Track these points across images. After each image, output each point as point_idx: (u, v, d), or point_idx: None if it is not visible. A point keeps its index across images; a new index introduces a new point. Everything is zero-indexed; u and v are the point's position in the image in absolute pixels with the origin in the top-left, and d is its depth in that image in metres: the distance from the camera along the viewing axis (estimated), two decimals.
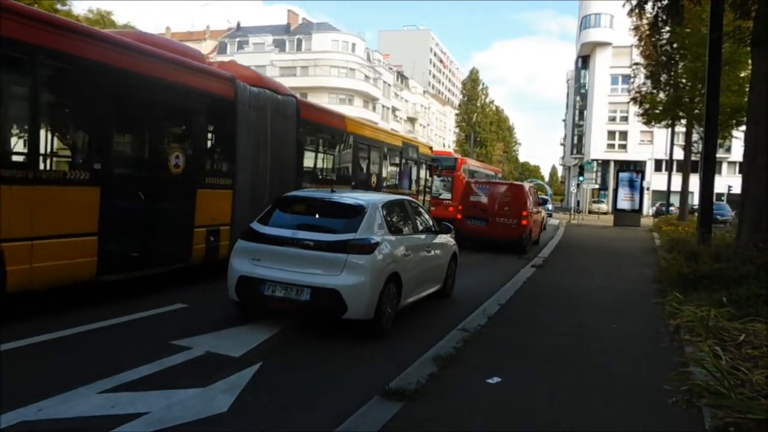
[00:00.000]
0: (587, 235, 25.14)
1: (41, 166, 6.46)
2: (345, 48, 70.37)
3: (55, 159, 6.91)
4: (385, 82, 77.22)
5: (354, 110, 69.36)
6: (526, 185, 19.33)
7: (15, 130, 6.52)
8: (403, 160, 17.59)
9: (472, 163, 30.02)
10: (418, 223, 8.32)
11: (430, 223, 8.85)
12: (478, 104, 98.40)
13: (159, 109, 8.29)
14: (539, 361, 5.76)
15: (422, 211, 9.03)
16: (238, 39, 74.13)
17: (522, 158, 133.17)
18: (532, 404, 4.56)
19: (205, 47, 73.83)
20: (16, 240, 6.04)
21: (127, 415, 4.03)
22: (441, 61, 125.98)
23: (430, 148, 21.41)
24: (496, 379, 5.01)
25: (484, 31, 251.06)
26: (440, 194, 23.07)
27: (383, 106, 76.72)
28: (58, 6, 34.15)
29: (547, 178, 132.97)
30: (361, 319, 6.38)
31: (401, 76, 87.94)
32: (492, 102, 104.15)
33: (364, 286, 6.27)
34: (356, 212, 6.84)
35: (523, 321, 7.50)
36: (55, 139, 7.04)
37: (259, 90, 10.34)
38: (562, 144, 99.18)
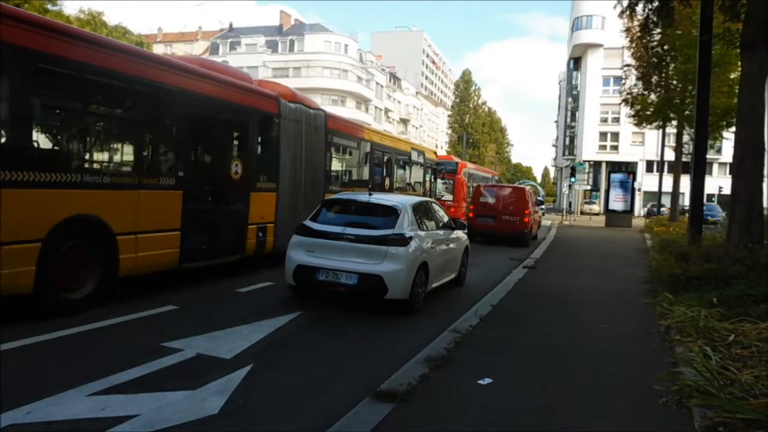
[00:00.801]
0: (579, 236, 25.23)
1: (143, 174, 7.95)
2: (337, 49, 70.34)
3: (152, 168, 8.20)
4: (377, 83, 77.27)
5: (346, 111, 69.34)
6: (528, 189, 21.74)
7: (127, 144, 8.31)
8: (412, 164, 19.18)
9: (471, 167, 32.13)
10: (439, 221, 9.64)
11: (446, 220, 10.04)
12: (471, 105, 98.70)
13: (224, 125, 9.98)
14: (531, 361, 5.78)
15: (441, 210, 10.38)
16: (230, 40, 73.99)
17: (514, 159, 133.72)
18: (523, 405, 4.57)
19: (197, 48, 73.69)
20: (125, 234, 7.53)
21: (117, 417, 4.00)
22: (433, 62, 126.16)
23: (435, 153, 22.94)
24: (487, 380, 5.02)
25: (475, 33, 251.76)
26: (442, 195, 24.60)
27: (376, 107, 76.75)
28: (49, 6, 34.01)
29: (539, 179, 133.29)
30: (399, 299, 7.74)
31: (394, 77, 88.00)
32: (485, 103, 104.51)
33: (401, 272, 7.64)
34: (392, 212, 8.25)
35: (515, 322, 7.52)
36: (152, 151, 8.36)
37: (296, 105, 11.86)
38: (554, 145, 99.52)
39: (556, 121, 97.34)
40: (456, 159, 30.82)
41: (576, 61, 66.72)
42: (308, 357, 5.79)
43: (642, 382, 5.20)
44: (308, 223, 8.36)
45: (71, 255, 6.82)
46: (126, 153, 8.29)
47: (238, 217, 10.09)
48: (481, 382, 4.98)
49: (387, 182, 16.90)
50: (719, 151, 48.85)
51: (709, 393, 4.59)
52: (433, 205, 10.17)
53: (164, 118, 8.43)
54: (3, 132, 6.16)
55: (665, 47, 26.03)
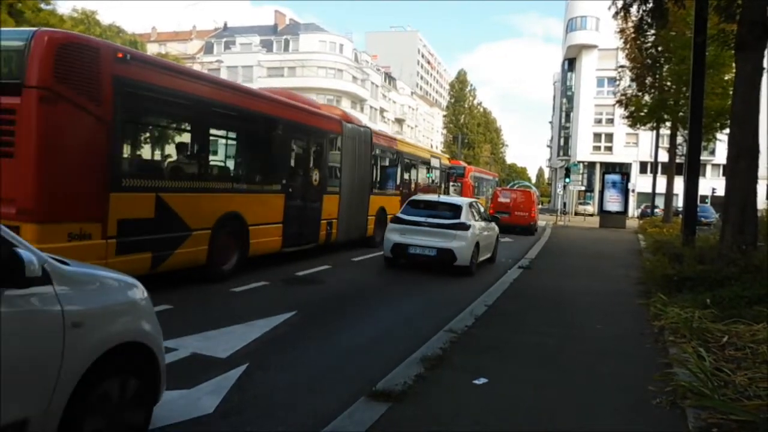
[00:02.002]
0: (573, 236, 25.29)
1: (263, 182, 11.02)
2: (332, 49, 70.26)
3: (268, 178, 11.16)
4: (372, 83, 77.23)
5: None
6: (534, 191, 29.33)
7: (254, 161, 11.15)
8: (431, 169, 22.18)
9: (476, 171, 37.14)
10: (482, 215, 13.73)
11: (486, 215, 14.15)
12: (466, 106, 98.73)
13: (308, 143, 12.81)
14: (525, 361, 5.79)
15: (482, 207, 14.21)
16: (224, 39, 73.75)
17: (509, 160, 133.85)
18: (518, 405, 4.58)
19: (192, 47, 73.46)
20: (254, 225, 10.34)
21: None
22: (429, 63, 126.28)
23: (448, 158, 27.43)
24: (482, 380, 5.02)
25: (469, 34, 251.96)
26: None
27: (371, 107, 76.72)
28: (42, 5, 33.86)
29: (534, 180, 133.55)
30: (463, 265, 11.63)
31: (389, 77, 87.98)
32: (480, 104, 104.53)
33: (465, 247, 11.63)
34: (456, 207, 12.28)
35: (510, 322, 7.53)
36: (269, 165, 11.30)
37: (351, 125, 14.83)
38: (548, 146, 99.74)
39: (550, 122, 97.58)
40: (463, 164, 34.95)
41: (570, 62, 66.86)
42: (302, 356, 5.79)
43: (636, 382, 5.21)
44: (399, 215, 12.45)
45: (224, 239, 9.51)
46: (253, 167, 11.13)
47: (316, 214, 12.89)
48: (476, 381, 4.99)
49: (413, 186, 19.80)
50: (713, 152, 49.11)
51: (703, 394, 4.60)
52: (478, 204, 14.14)
53: (276, 141, 11.48)
54: (197, 158, 9.28)
55: (659, 48, 26.11)
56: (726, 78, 22.02)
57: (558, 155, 72.18)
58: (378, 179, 16.74)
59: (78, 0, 46.92)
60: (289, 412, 4.39)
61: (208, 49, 73.53)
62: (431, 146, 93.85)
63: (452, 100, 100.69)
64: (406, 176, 19.12)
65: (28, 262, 2.69)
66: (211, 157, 10.04)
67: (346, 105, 69.56)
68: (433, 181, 22.07)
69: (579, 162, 52.02)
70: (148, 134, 9.14)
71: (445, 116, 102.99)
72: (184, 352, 5.51)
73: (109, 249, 7.25)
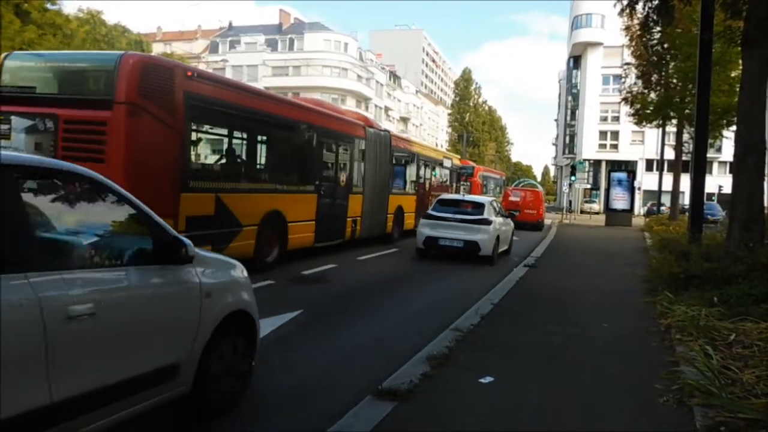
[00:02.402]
0: (579, 234, 25.23)
1: (300, 183, 12.25)
2: (337, 48, 70.25)
3: (304, 179, 12.42)
4: (377, 81, 77.21)
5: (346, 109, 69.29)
6: (541, 191, 31.79)
7: (292, 164, 12.30)
8: (443, 170, 23.51)
9: (484, 170, 39.31)
10: (501, 212, 15.51)
11: (503, 211, 16.11)
12: (471, 104, 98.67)
13: (336, 147, 13.93)
14: (531, 360, 5.78)
15: (500, 205, 16.47)
16: (229, 38, 73.83)
17: (514, 158, 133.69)
18: (524, 404, 4.57)
19: (197, 47, 73.59)
20: (292, 222, 11.55)
21: None
22: (433, 61, 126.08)
23: (459, 159, 29.12)
24: (488, 379, 5.02)
25: (474, 32, 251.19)
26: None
27: (376, 106, 76.69)
28: (48, 5, 33.97)
29: (539, 178, 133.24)
30: (487, 255, 13.44)
31: (394, 76, 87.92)
32: (485, 102, 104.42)
33: (488, 240, 13.41)
34: (480, 205, 14.13)
35: (516, 320, 7.52)
36: (305, 168, 12.53)
37: (373, 130, 16.14)
38: (554, 144, 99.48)
39: (555, 120, 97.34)
40: (472, 163, 36.60)
41: (576, 60, 66.66)
42: (307, 356, 5.79)
43: (642, 381, 5.19)
44: (430, 212, 14.27)
45: (267, 234, 10.62)
46: (292, 170, 12.22)
47: (343, 212, 14.06)
48: (482, 380, 4.98)
49: (427, 185, 21.07)
50: (719, 149, 48.78)
51: (710, 392, 4.58)
52: (497, 202, 16.20)
53: (311, 146, 12.68)
54: (248, 162, 10.84)
55: (665, 45, 25.99)
56: (732, 75, 21.90)
57: (563, 153, 72.00)
58: (396, 179, 18.13)
59: (84, 0, 47.03)
60: (294, 412, 4.40)
61: (213, 48, 73.65)
62: (436, 145, 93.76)
63: (457, 99, 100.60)
64: (421, 176, 20.38)
65: (189, 245, 3.75)
66: (258, 161, 11.33)
67: (350, 104, 69.57)
68: (443, 181, 23.35)
69: (584, 160, 51.83)
70: (209, 141, 10.85)
71: (450, 114, 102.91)
72: None
73: None
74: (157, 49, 46.24)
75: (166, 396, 3.68)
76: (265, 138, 11.34)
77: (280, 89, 70.12)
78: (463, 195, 16.49)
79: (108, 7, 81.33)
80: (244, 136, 10.76)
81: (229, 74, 70.43)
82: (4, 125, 8.12)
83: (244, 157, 10.81)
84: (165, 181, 8.18)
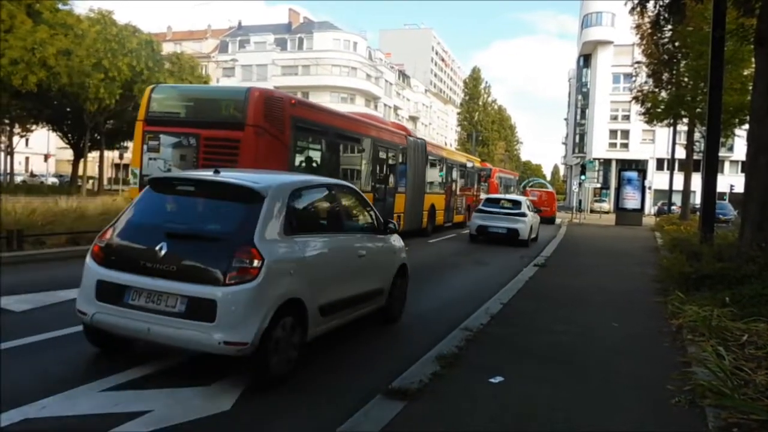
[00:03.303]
0: (589, 234, 25.13)
1: (362, 184, 14.48)
2: (346, 47, 70.33)
3: (364, 181, 14.96)
4: (386, 80, 77.23)
5: (355, 109, 69.31)
6: (553, 191, 40.51)
7: (360, 170, 15.15)
8: (467, 172, 26.46)
9: (500, 172, 42.69)
10: (532, 207, 20.34)
11: (533, 207, 20.78)
12: (480, 103, 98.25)
13: (387, 154, 16.62)
14: (541, 360, 5.76)
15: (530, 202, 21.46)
16: (239, 38, 74.08)
17: (524, 157, 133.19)
18: (534, 404, 4.55)
19: (207, 46, 73.84)
20: (397, 213, 15.66)
21: (129, 413, 4.03)
22: (442, 60, 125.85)
23: (480, 161, 32.50)
24: (498, 379, 5.00)
25: (483, 31, 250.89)
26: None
27: (385, 105, 76.70)
28: (60, 6, 34.18)
29: (548, 177, 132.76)
30: (523, 239, 17.81)
31: (403, 75, 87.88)
32: (494, 101, 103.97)
33: (525, 228, 18.05)
34: (518, 202, 19.00)
35: (526, 320, 7.50)
36: (366, 173, 15.18)
37: (413, 138, 19.07)
38: (563, 143, 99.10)
39: (565, 119, 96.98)
40: (489, 165, 39.95)
41: (586, 59, 66.35)
42: (320, 353, 5.79)
43: (654, 381, 5.16)
44: (481, 207, 19.16)
45: None
46: (358, 173, 14.96)
47: (390, 209, 15.91)
48: (492, 380, 4.97)
49: (455, 187, 23.68)
50: (731, 149, 48.45)
51: (722, 393, 4.55)
52: (529, 199, 22.67)
53: (372, 153, 15.34)
54: (332, 167, 13.21)
55: (676, 44, 25.84)
56: (745, 73, 21.70)
57: (573, 152, 71.69)
58: (429, 180, 20.52)
59: (95, 0, 47.31)
60: (305, 409, 4.41)
61: (222, 48, 73.92)
62: (445, 143, 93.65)
63: (466, 98, 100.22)
64: (449, 178, 23.05)
65: (392, 224, 7.21)
66: (335, 165, 13.72)
67: (360, 103, 69.64)
68: (467, 182, 26.82)
69: (595, 159, 51.62)
70: (304, 151, 12.95)
71: (459, 113, 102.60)
72: None
73: None
74: (167, 48, 46.35)
75: (377, 305, 6.82)
76: (341, 147, 14.18)
77: (289, 88, 70.12)
78: (504, 194, 23.95)
79: (118, 7, 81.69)
80: (327, 146, 13.46)
81: (238, 73, 70.79)
82: (154, 141, 11.02)
83: (329, 163, 13.50)
84: None
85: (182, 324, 4.43)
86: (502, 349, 6.01)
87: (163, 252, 4.61)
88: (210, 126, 10.81)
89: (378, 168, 16.10)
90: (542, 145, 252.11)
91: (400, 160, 17.56)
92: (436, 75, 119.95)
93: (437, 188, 21.36)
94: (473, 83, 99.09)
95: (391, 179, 16.80)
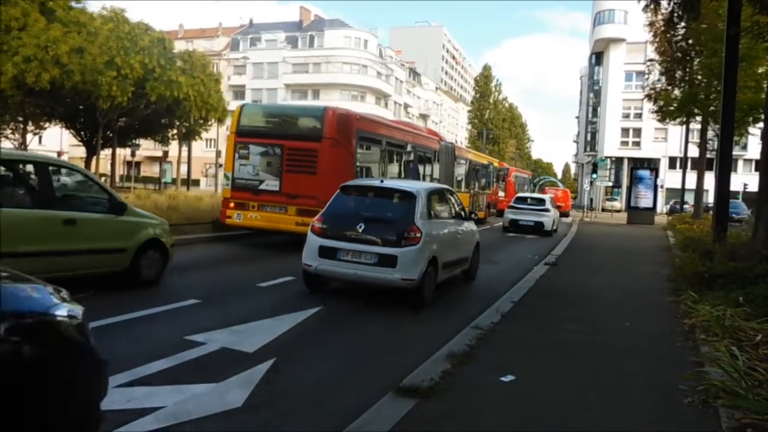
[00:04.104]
0: (601, 233, 25.00)
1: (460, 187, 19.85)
2: (357, 44, 70.30)
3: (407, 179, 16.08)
4: (397, 78, 77.10)
5: (366, 107, 69.23)
6: (567, 190, 49.74)
7: (403, 170, 17.00)
8: (489, 172, 29.44)
9: (516, 171, 44.93)
10: (553, 204, 24.99)
11: (554, 204, 25.93)
12: (491, 101, 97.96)
13: (425, 157, 18.68)
14: (553, 359, 5.74)
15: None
16: (250, 36, 74.26)
17: (535, 155, 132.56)
18: (545, 403, 4.54)
19: (218, 44, 74.07)
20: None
21: (142, 409, 4.06)
22: (453, 58, 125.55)
23: (498, 162, 36.02)
24: (509, 377, 4.99)
25: (494, 30, 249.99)
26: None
27: (395, 103, 76.62)
28: (73, 3, 34.38)
29: (559, 176, 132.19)
30: (548, 230, 21.78)
31: (413, 73, 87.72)
32: (505, 99, 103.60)
33: (549, 221, 22.23)
34: (543, 200, 23.46)
35: (537, 319, 7.47)
36: (408, 172, 16.98)
37: (444, 142, 21.31)
38: (575, 141, 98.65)
39: (577, 117, 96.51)
40: (506, 165, 43.11)
41: (598, 56, 65.97)
42: (330, 351, 5.81)
43: (666, 381, 5.13)
44: (512, 204, 22.94)
45: None
46: (405, 174, 16.70)
47: None
48: (503, 379, 4.96)
49: (477, 185, 26.41)
50: (745, 147, 47.98)
51: (736, 393, 4.52)
52: (552, 198, 26.75)
53: (414, 157, 17.33)
54: (386, 171, 15.47)
55: (690, 41, 25.63)
56: (759, 71, 21.53)
57: (585, 151, 71.35)
58: (456, 180, 22.65)
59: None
60: (316, 407, 4.42)
61: (234, 45, 74.10)
62: (456, 141, 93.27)
63: (477, 96, 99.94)
64: (472, 178, 25.86)
65: (474, 215, 12.39)
66: (388, 168, 15.86)
67: (370, 100, 69.59)
68: (488, 181, 29.95)
69: (606, 157, 51.32)
70: (365, 157, 14.74)
71: (469, 111, 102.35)
72: (213, 347, 5.57)
73: None
74: (179, 46, 46.51)
75: (465, 267, 9.97)
76: (392, 153, 16.28)
77: (300, 86, 70.49)
78: (531, 193, 28.67)
79: (131, 5, 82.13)
80: (381, 152, 15.40)
81: (249, 71, 70.97)
82: (244, 150, 13.23)
83: (386, 168, 15.54)
84: (345, 182, 13.04)
85: (376, 270, 7.71)
86: (513, 348, 5.99)
87: (361, 229, 7.84)
88: (292, 138, 13.07)
89: (420, 168, 18.37)
90: (553, 143, 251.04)
91: (434, 162, 19.82)
92: (446, 73, 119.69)
93: (463, 187, 23.82)
94: (484, 81, 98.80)
95: (427, 179, 18.54)
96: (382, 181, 9.15)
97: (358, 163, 13.75)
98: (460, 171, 23.81)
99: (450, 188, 11.14)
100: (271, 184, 12.81)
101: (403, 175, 16.78)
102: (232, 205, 13.04)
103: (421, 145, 18.13)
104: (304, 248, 8.31)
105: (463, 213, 10.10)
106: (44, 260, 6.62)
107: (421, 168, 18.22)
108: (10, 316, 2.40)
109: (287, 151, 12.76)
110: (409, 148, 17.13)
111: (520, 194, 25.71)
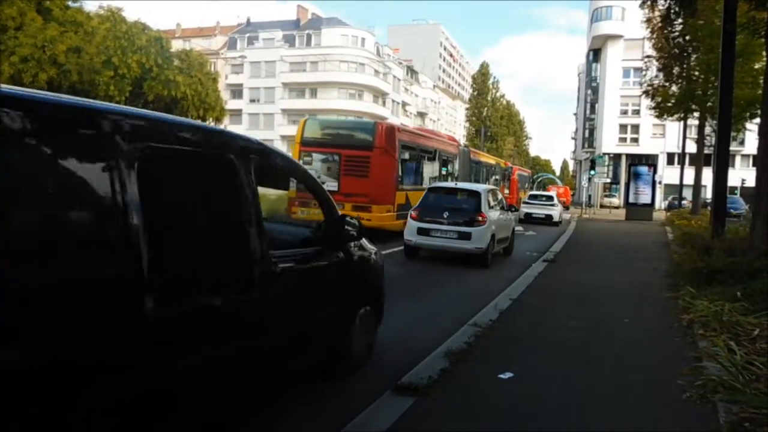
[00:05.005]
0: (599, 229, 25.02)
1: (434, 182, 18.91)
2: (354, 43, 70.22)
3: (435, 180, 18.65)
4: (394, 76, 77.02)
5: (364, 105, 69.29)
6: (567, 187, 64.09)
7: (433, 172, 19.81)
8: (496, 171, 32.54)
9: (518, 170, 46.11)
10: (560, 200, 31.76)
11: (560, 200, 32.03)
12: (489, 98, 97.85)
13: (447, 160, 21.25)
14: (551, 356, 5.75)
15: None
16: (248, 35, 74.14)
17: (533, 152, 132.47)
18: (544, 400, 4.55)
19: (215, 43, 73.96)
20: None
21: None
22: (451, 56, 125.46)
23: (504, 162, 38.54)
24: (508, 375, 4.99)
25: (492, 27, 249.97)
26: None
27: (393, 101, 76.59)
28: (70, 3, 34.30)
29: (558, 173, 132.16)
30: (556, 221, 26.76)
31: (411, 71, 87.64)
32: (502, 96, 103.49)
33: (557, 213, 27.53)
34: (551, 197, 29.53)
35: (535, 316, 7.48)
36: (436, 173, 20.00)
37: (462, 147, 24.76)
38: (573, 138, 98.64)
39: (575, 114, 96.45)
40: (510, 164, 43.99)
41: (595, 53, 65.93)
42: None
43: (665, 377, 5.14)
44: (525, 200, 29.28)
45: None
46: (434, 176, 19.29)
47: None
48: (501, 376, 4.96)
49: (487, 184, 28.15)
50: (742, 142, 48.02)
51: (734, 388, 4.52)
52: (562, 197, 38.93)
53: (441, 161, 20.25)
54: (420, 174, 18.32)
55: (687, 38, 25.61)
56: (756, 67, 21.48)
57: (583, 147, 71.35)
58: (470, 179, 24.99)
59: None
60: (313, 406, 4.42)
61: (231, 44, 74.01)
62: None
63: (475, 93, 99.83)
64: (483, 177, 28.88)
65: (514, 207, 19.62)
66: (422, 173, 18.39)
67: (368, 99, 69.55)
68: (495, 180, 32.64)
69: (604, 154, 51.32)
70: (405, 164, 16.84)
71: (467, 109, 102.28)
72: None
73: (394, 217, 15.28)
74: (176, 45, 46.44)
75: (505, 246, 13.99)
76: (424, 158, 18.58)
77: (297, 85, 70.40)
78: (541, 191, 34.50)
79: (128, 4, 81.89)
80: (417, 157, 17.92)
81: (247, 70, 70.87)
82: (307, 158, 15.64)
83: (419, 171, 18.11)
84: (391, 185, 15.50)
85: (457, 242, 11.78)
86: (511, 345, 6.00)
87: (446, 215, 11.93)
88: (348, 147, 15.51)
89: (444, 170, 21.03)
90: (552, 140, 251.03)
91: (454, 164, 22.32)
92: (444, 71, 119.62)
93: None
94: (482, 79, 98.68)
95: (450, 179, 20.91)
96: (456, 184, 14.98)
97: (400, 168, 16.33)
98: (474, 171, 26.95)
99: (496, 189, 15.86)
100: (331, 185, 14.68)
101: (437, 176, 19.80)
102: (297, 203, 14.36)
103: (445, 150, 21.05)
104: (405, 229, 12.52)
105: (506, 205, 14.52)
106: None
107: (444, 169, 20.91)
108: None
109: (344, 158, 15.34)
110: (437, 153, 19.90)
111: (532, 192, 33.56)
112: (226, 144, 3.60)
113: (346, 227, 4.68)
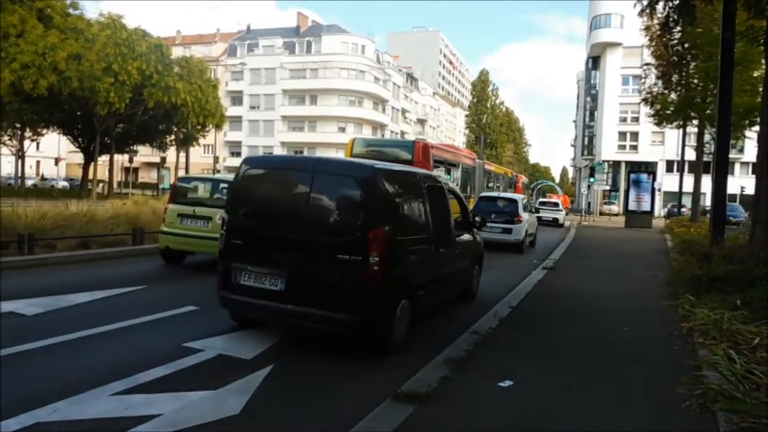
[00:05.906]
0: (598, 236, 25.02)
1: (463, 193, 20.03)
2: (354, 50, 70.37)
3: (461, 190, 18.50)
4: (394, 83, 77.19)
5: (363, 112, 69.43)
6: (565, 195, 70.95)
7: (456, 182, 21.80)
8: (504, 180, 34.10)
9: (523, 177, 47.48)
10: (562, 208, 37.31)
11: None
12: (488, 105, 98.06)
13: (467, 172, 23.05)
14: (551, 364, 5.74)
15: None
16: (248, 41, 74.33)
17: (532, 159, 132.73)
18: (544, 408, 4.54)
19: (215, 50, 74.12)
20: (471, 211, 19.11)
21: (139, 417, 4.04)
22: (450, 63, 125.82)
23: (510, 172, 39.99)
24: (508, 383, 4.99)
25: (492, 34, 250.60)
26: None
27: (393, 108, 76.70)
28: (70, 10, 34.42)
29: (557, 180, 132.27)
30: (561, 224, 32.78)
31: (411, 78, 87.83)
32: (502, 103, 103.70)
33: (562, 217, 33.87)
34: (557, 203, 36.84)
35: (535, 324, 7.47)
36: (458, 183, 21.43)
37: (477, 159, 26.66)
38: (572, 145, 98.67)
39: (574, 121, 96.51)
40: (515, 173, 45.13)
41: (594, 61, 66.05)
42: (329, 358, 5.80)
43: (665, 385, 5.13)
44: (536, 206, 30.30)
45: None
46: (457, 185, 19.87)
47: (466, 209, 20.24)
48: (501, 384, 4.95)
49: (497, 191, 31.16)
50: (741, 150, 48.03)
51: (734, 397, 4.51)
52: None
53: (463, 172, 22.10)
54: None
55: (686, 45, 25.68)
56: (755, 75, 21.56)
57: (582, 154, 71.32)
58: (485, 187, 27.20)
59: (105, 0, 47.56)
60: (315, 413, 4.40)
61: (231, 51, 74.18)
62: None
63: (474, 100, 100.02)
64: (494, 186, 30.58)
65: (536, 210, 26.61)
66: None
67: (368, 106, 69.66)
68: (504, 188, 34.46)
69: (604, 161, 51.38)
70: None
71: (467, 116, 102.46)
72: (210, 354, 5.56)
73: None
74: (176, 52, 46.53)
75: (532, 239, 19.28)
76: (450, 170, 20.37)
77: (297, 92, 70.52)
78: (542, 197, 42.64)
79: (128, 11, 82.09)
80: (448, 171, 19.83)
81: (247, 77, 70.98)
82: None
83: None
84: None
85: (501, 235, 16.75)
86: (511, 353, 5.99)
87: (494, 216, 16.08)
88: (390, 162, 15.94)
89: (465, 180, 22.75)
90: (551, 147, 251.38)
91: (471, 175, 24.31)
92: (444, 78, 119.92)
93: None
94: (481, 86, 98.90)
95: (468, 189, 22.89)
96: (499, 194, 20.29)
97: None
98: (486, 179, 29.15)
99: (526, 196, 21.40)
100: None
101: (459, 186, 21.19)
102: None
103: (465, 164, 23.40)
104: None
105: (533, 210, 18.97)
106: None
107: (467, 179, 23.30)
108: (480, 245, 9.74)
109: None
110: (460, 166, 22.27)
111: (542, 199, 40.85)
112: (439, 179, 8.14)
113: (473, 220, 9.28)
